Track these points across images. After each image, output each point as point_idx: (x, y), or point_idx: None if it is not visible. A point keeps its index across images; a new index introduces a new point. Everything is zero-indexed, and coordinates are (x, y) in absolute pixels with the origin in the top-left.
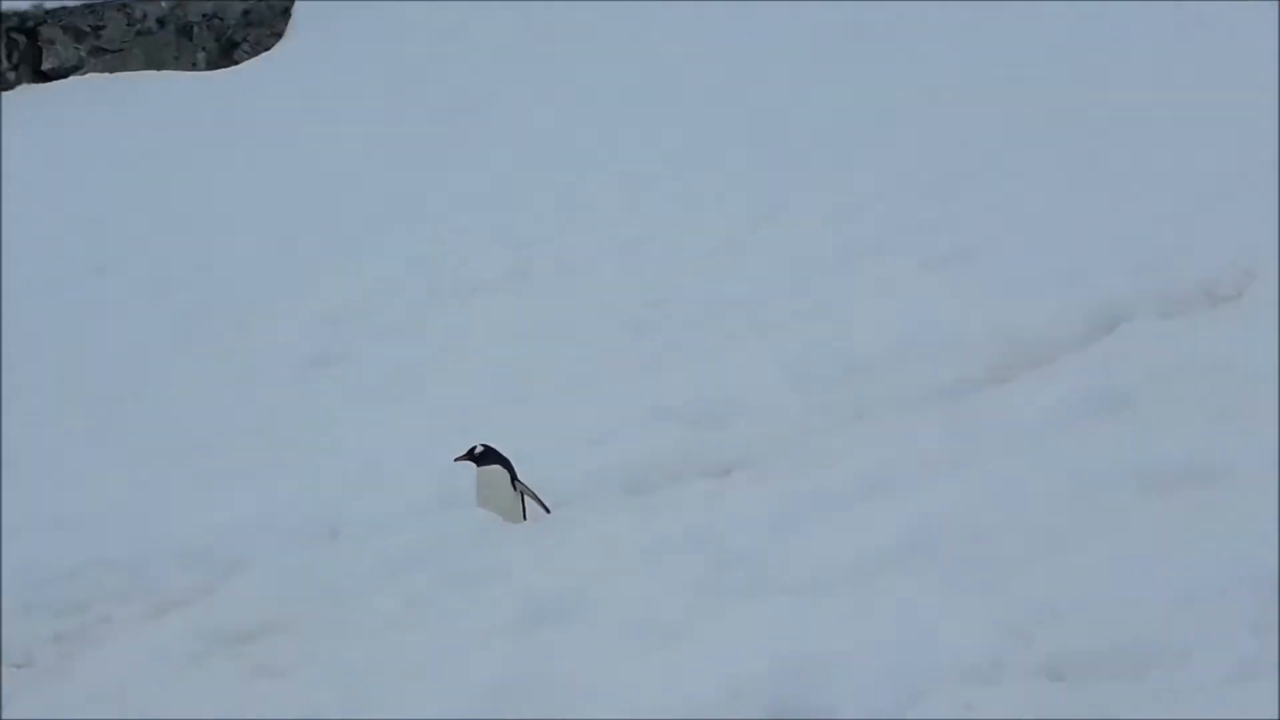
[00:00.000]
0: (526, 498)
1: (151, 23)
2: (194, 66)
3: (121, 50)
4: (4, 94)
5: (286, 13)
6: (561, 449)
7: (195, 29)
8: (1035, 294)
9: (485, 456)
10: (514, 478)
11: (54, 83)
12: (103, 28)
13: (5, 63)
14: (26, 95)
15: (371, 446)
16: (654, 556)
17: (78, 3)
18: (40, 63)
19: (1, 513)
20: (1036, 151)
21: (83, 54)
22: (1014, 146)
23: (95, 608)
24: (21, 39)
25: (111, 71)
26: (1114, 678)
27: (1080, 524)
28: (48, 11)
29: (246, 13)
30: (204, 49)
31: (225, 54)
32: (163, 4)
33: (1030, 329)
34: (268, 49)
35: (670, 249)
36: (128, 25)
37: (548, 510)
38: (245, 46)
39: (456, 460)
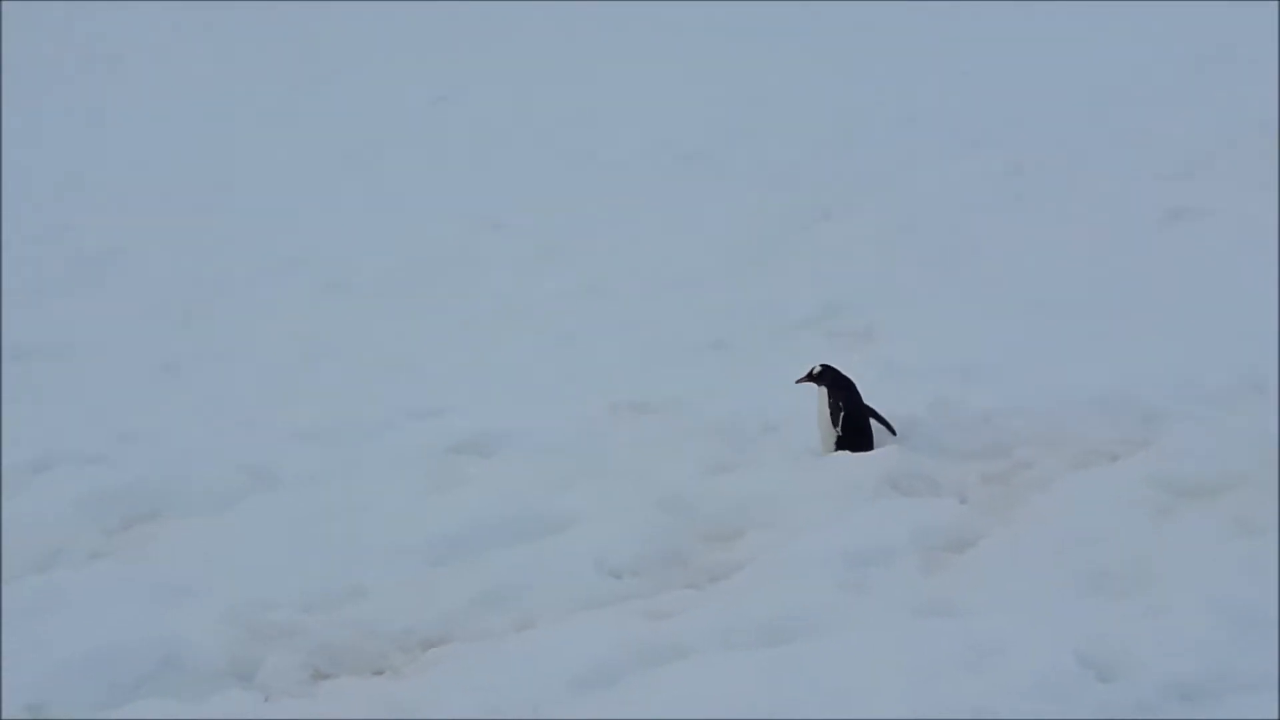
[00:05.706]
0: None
1: None
2: None
3: None
4: None
5: None
6: None
7: None
8: None
9: (823, 376)
10: (840, 404)
11: None
12: None
13: None
14: None
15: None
16: None
17: None
18: None
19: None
20: None
21: None
22: None
23: (1017, 452)
24: None
25: None
26: None
27: None
28: None
29: None
30: None
31: None
32: None
33: None
34: None
35: None
36: None
37: (894, 432)
38: None
39: (798, 382)
